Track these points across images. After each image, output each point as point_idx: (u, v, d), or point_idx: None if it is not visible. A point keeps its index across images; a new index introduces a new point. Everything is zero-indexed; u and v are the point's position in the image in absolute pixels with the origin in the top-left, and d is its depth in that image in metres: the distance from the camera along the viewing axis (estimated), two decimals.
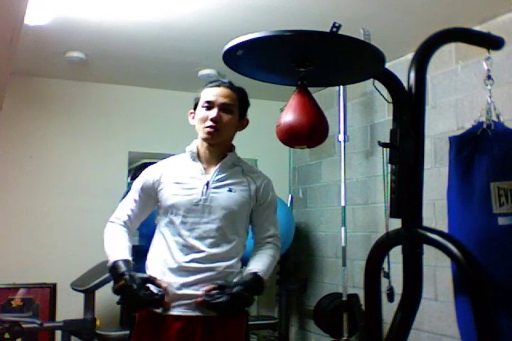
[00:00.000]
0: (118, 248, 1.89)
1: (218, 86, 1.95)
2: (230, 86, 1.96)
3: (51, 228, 3.90)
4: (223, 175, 1.94)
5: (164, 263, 1.86)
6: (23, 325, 3.02)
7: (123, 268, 1.79)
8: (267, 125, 4.49)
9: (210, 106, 1.92)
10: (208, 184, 1.90)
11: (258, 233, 2.00)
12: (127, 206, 1.99)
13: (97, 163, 4.06)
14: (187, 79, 3.89)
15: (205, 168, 1.94)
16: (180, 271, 1.83)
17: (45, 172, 3.96)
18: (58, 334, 3.41)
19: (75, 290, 3.33)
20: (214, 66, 3.72)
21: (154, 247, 1.95)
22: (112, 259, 1.84)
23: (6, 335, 3.13)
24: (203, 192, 1.88)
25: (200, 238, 1.85)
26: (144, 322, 1.84)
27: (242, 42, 1.66)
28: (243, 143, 5.11)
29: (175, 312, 1.82)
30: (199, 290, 1.81)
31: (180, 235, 1.86)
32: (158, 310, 1.82)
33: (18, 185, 3.88)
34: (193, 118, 1.99)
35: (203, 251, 1.84)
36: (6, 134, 3.82)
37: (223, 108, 1.92)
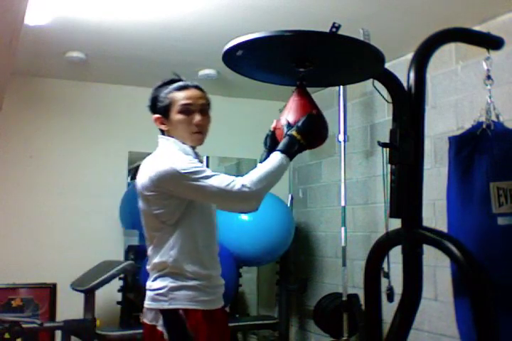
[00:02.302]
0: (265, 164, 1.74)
1: (187, 88, 1.86)
2: (198, 86, 1.90)
3: (51, 228, 3.90)
4: None
5: (208, 252, 1.83)
6: (23, 325, 3.01)
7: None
8: (267, 125, 4.50)
9: (188, 110, 1.82)
10: None
11: None
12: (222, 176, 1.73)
13: (97, 163, 4.06)
14: (187, 79, 3.88)
15: None
16: (215, 261, 1.89)
17: (45, 172, 3.96)
18: (58, 334, 3.41)
19: (75, 290, 3.33)
20: (214, 66, 3.72)
21: (187, 241, 1.79)
22: (280, 161, 1.74)
23: (6, 335, 3.13)
24: None
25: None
26: (205, 323, 1.76)
27: (242, 42, 1.67)
28: (243, 143, 5.12)
29: (221, 303, 1.90)
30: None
31: (214, 225, 1.88)
32: (215, 306, 1.83)
33: (18, 185, 3.87)
34: (161, 123, 1.85)
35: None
36: (6, 134, 3.82)
37: (201, 110, 1.85)
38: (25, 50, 3.09)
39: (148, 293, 1.79)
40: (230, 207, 1.80)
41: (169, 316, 1.74)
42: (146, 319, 1.79)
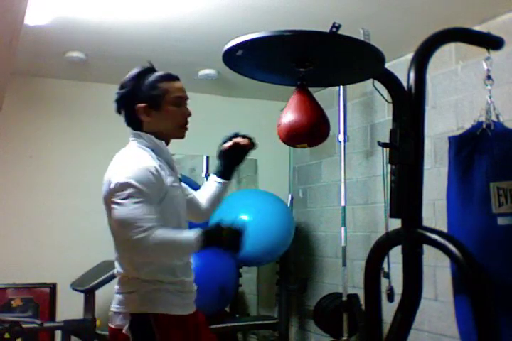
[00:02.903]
0: (181, 233, 1.66)
1: (177, 79, 1.81)
2: (179, 78, 1.85)
3: (51, 228, 3.90)
4: None
5: (180, 260, 1.75)
6: (23, 325, 3.01)
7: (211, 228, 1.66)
8: (267, 125, 4.49)
9: (180, 102, 1.79)
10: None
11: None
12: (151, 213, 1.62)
13: (97, 163, 4.04)
14: (187, 79, 3.87)
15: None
16: (188, 268, 1.80)
17: (45, 172, 3.96)
18: (58, 334, 3.41)
19: (75, 290, 3.33)
20: (214, 66, 3.72)
21: None
22: (195, 238, 1.60)
23: (6, 335, 3.13)
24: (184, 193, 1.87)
25: None
26: (174, 328, 1.70)
27: (242, 42, 1.67)
28: None
29: (193, 309, 1.80)
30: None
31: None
32: (186, 312, 1.75)
33: (18, 185, 3.87)
34: (147, 113, 1.75)
35: None
36: (6, 134, 3.82)
37: (186, 103, 1.83)
38: (25, 50, 3.09)
39: (117, 297, 1.72)
40: (118, 241, 1.70)
41: (138, 320, 1.66)
42: (112, 323, 1.71)
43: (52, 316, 3.66)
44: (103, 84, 4.16)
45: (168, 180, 1.72)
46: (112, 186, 1.67)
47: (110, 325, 1.74)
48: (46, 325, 3.23)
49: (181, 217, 1.79)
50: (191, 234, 1.61)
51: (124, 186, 1.63)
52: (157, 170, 1.67)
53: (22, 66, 3.59)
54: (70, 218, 3.94)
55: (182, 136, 1.82)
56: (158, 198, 1.66)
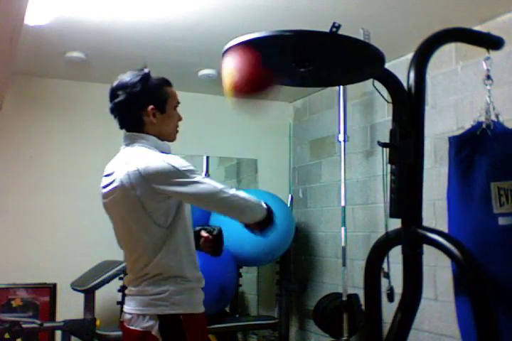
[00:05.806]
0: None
1: (172, 85, 1.90)
2: None
3: (51, 228, 3.90)
4: None
5: (195, 254, 1.81)
6: (23, 325, 3.02)
7: None
8: (267, 125, 4.50)
9: (177, 107, 1.89)
10: None
11: None
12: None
13: (97, 163, 4.05)
14: (187, 79, 3.89)
15: None
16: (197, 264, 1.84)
17: (45, 172, 3.96)
18: (58, 334, 3.41)
19: (75, 290, 3.33)
20: (214, 66, 3.71)
21: (182, 243, 1.77)
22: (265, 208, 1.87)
23: (6, 335, 3.13)
24: None
25: None
26: (200, 326, 1.75)
27: (242, 42, 1.67)
28: (243, 143, 5.11)
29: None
30: None
31: (190, 230, 1.85)
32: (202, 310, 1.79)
33: (18, 185, 3.87)
34: (154, 115, 1.81)
35: None
36: (6, 134, 3.82)
37: None
38: (25, 50, 3.09)
39: (140, 298, 1.71)
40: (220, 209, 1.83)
41: (167, 321, 1.67)
42: (136, 325, 1.69)
43: (52, 316, 3.67)
44: (103, 84, 4.12)
45: None
46: (160, 172, 1.68)
47: (134, 327, 1.70)
48: (46, 325, 3.23)
49: (190, 222, 1.84)
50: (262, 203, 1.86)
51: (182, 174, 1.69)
52: None
53: (22, 66, 3.59)
54: (70, 218, 3.94)
55: (174, 139, 1.90)
56: None
